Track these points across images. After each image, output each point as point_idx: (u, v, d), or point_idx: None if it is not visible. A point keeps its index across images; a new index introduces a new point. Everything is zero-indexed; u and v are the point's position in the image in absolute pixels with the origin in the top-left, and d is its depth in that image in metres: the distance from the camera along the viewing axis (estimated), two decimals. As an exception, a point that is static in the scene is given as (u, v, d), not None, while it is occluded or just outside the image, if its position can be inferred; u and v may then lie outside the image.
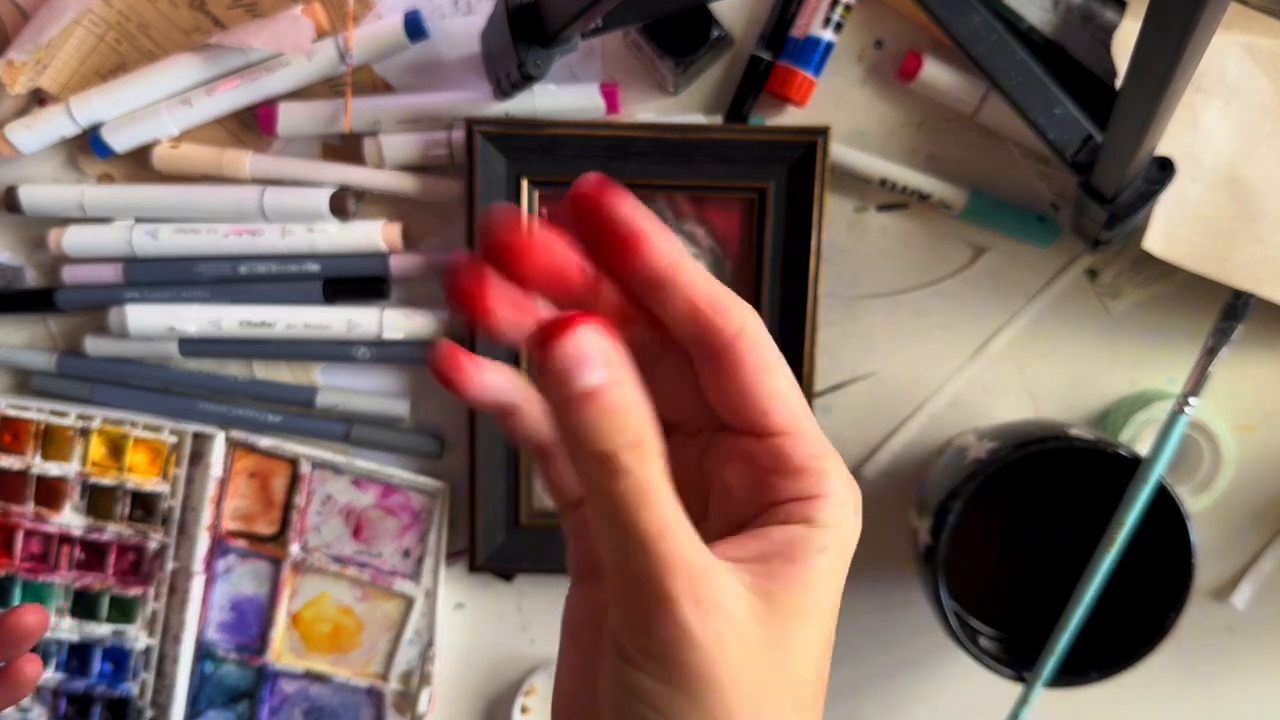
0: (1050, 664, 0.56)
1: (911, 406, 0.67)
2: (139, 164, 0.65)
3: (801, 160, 0.61)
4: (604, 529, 0.24)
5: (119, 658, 0.66)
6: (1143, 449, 0.61)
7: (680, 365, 0.28)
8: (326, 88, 0.64)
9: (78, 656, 0.66)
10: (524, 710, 0.68)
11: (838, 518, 0.27)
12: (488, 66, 0.60)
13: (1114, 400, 0.67)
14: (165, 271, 0.65)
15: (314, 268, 0.64)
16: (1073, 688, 0.58)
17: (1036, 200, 0.65)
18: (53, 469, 0.65)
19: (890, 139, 0.64)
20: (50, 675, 0.66)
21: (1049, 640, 0.56)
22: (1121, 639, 0.59)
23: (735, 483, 0.28)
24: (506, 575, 0.68)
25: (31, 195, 0.64)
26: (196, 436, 0.65)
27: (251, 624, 0.67)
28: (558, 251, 0.26)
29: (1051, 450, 0.57)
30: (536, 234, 0.26)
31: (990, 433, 0.61)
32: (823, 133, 0.61)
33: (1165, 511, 0.56)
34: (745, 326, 0.27)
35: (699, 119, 0.63)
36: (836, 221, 0.65)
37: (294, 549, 0.66)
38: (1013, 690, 0.57)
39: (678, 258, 0.27)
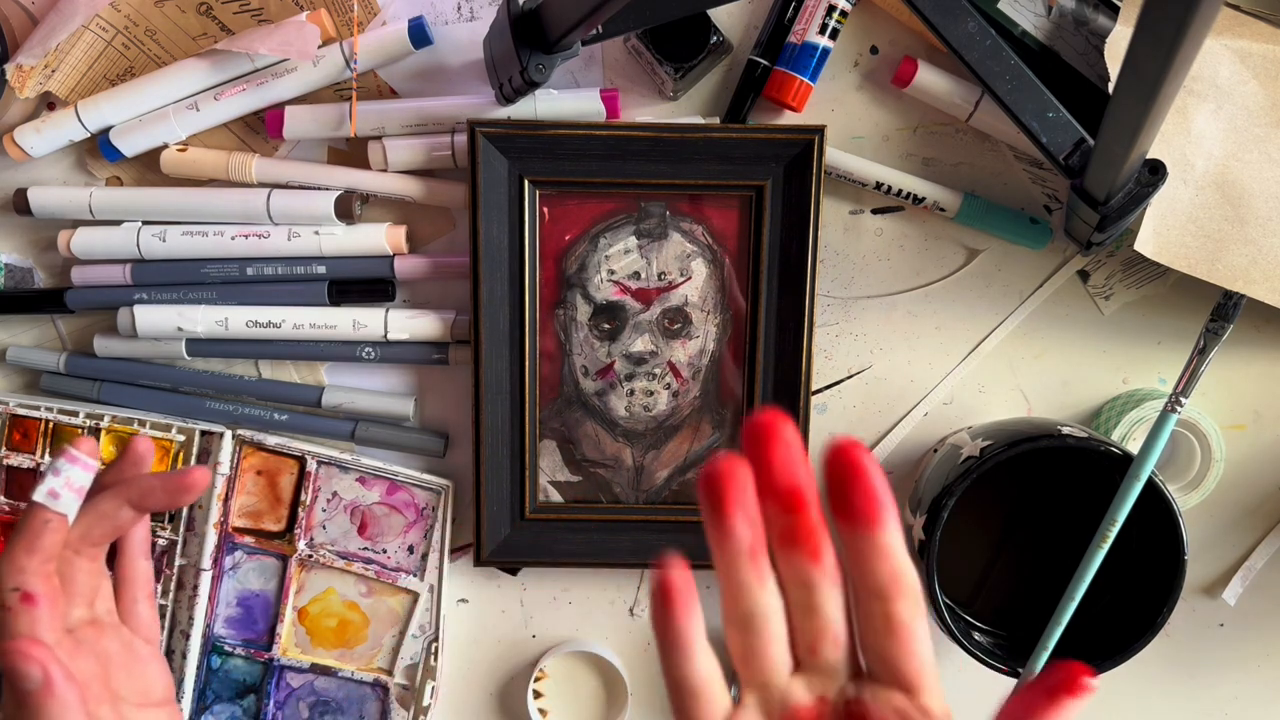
0: (1043, 658, 0.57)
1: (906, 405, 0.68)
2: (147, 167, 0.66)
3: (798, 158, 0.62)
4: None
5: (128, 653, 0.67)
6: (1134, 447, 0.62)
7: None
8: (332, 93, 0.65)
9: (87, 651, 0.67)
10: (537, 695, 0.69)
11: None
12: (490, 72, 0.61)
13: (1106, 399, 0.68)
14: (173, 273, 0.66)
15: (320, 270, 0.65)
16: (1065, 681, 0.59)
17: (1030, 203, 0.66)
18: (62, 467, 0.66)
19: (885, 143, 0.65)
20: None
21: (1042, 635, 0.57)
22: (1114, 634, 0.59)
23: None
24: (512, 569, 0.69)
25: (41, 197, 0.65)
26: (204, 435, 0.66)
27: (259, 619, 0.68)
28: (800, 481, 0.31)
29: (1044, 448, 0.57)
30: (796, 462, 0.32)
31: (984, 431, 0.61)
32: (819, 130, 0.61)
33: (1156, 509, 0.57)
34: (920, 606, 0.32)
35: (697, 121, 0.64)
36: (832, 224, 0.66)
37: (300, 545, 0.67)
38: (1006, 684, 0.58)
39: (900, 538, 0.32)
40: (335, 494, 0.67)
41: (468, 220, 0.63)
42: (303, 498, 0.67)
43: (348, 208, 0.64)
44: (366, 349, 0.66)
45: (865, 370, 0.68)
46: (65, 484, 0.44)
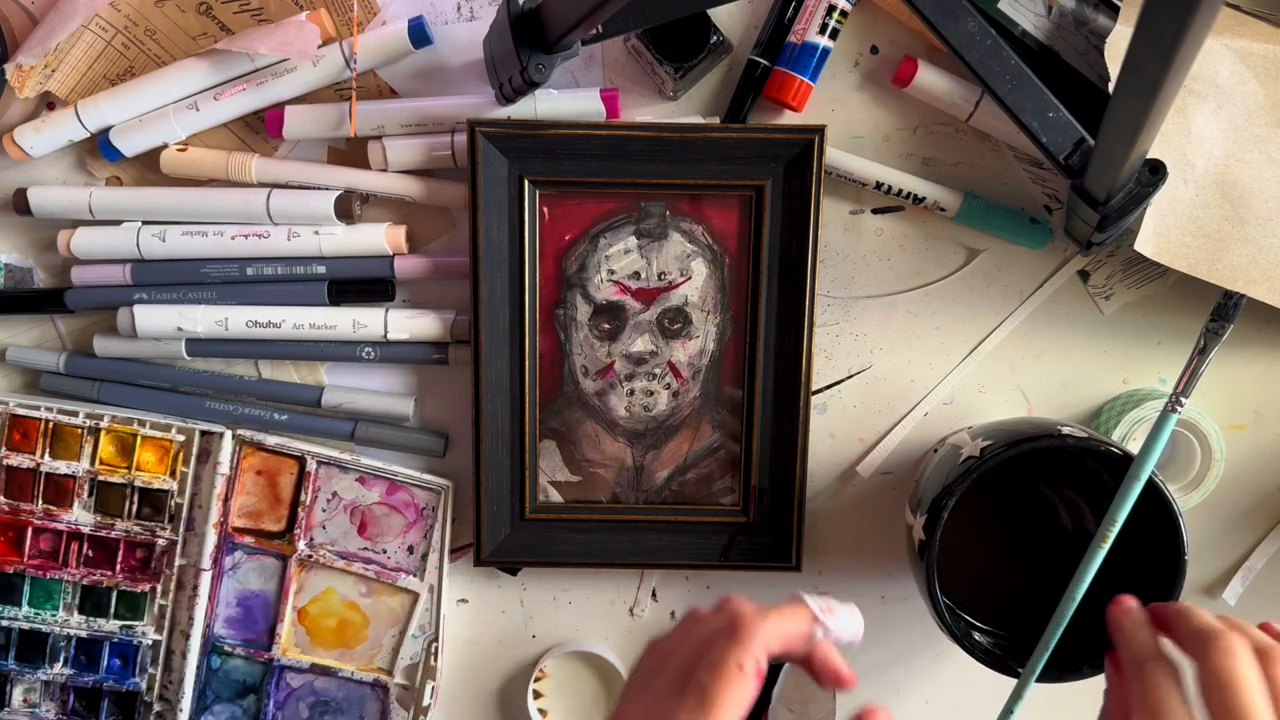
0: (1043, 659, 0.57)
1: (906, 405, 0.68)
2: (147, 167, 0.66)
3: (798, 158, 0.62)
4: None
5: (127, 653, 0.67)
6: (1134, 447, 0.62)
7: None
8: (332, 92, 0.65)
9: (86, 651, 0.67)
10: (536, 695, 0.69)
11: None
12: (490, 72, 0.61)
13: (1106, 399, 0.68)
14: (173, 273, 0.66)
15: (320, 269, 0.65)
16: (1065, 682, 0.59)
17: (1030, 203, 0.66)
18: (62, 467, 0.66)
19: (886, 143, 0.65)
20: (59, 670, 0.67)
21: (1042, 635, 0.57)
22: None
23: None
24: (512, 569, 0.69)
25: (41, 197, 0.65)
26: (204, 435, 0.66)
27: (258, 619, 0.68)
28: None
29: (1044, 448, 0.57)
30: None
31: (984, 431, 0.61)
32: (819, 130, 0.61)
33: (1157, 509, 0.57)
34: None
35: (697, 120, 0.64)
36: (833, 224, 0.66)
37: (300, 545, 0.67)
38: (1006, 685, 0.58)
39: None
40: (335, 494, 0.67)
41: (468, 220, 0.63)
42: (303, 498, 0.67)
43: (348, 208, 0.64)
44: (366, 349, 0.66)
45: (865, 370, 0.68)
46: (843, 627, 0.49)
